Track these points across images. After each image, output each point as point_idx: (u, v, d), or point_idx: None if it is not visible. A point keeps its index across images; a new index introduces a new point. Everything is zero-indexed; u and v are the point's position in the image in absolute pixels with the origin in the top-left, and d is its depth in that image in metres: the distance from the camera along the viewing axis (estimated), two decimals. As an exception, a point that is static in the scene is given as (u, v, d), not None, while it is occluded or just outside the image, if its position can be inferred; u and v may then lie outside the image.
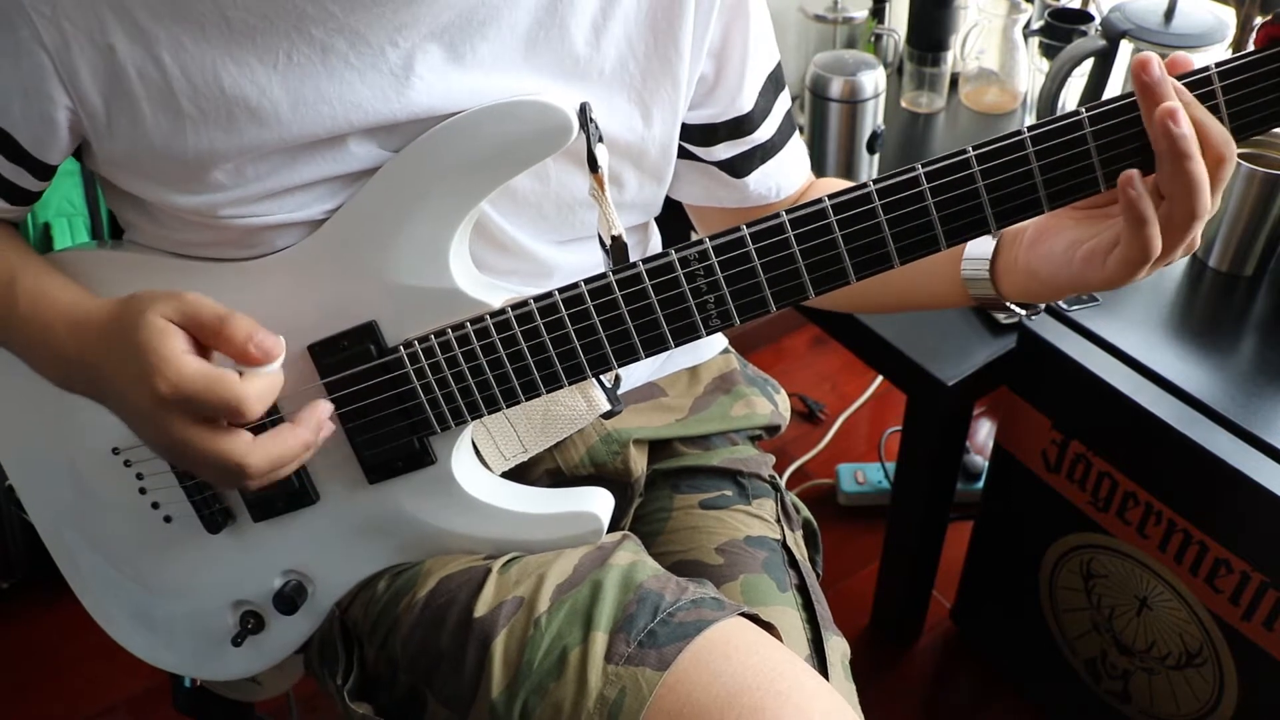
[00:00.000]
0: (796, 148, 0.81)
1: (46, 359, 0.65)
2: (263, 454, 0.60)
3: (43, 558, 0.80)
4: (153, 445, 0.63)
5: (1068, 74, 1.15)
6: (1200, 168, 0.54)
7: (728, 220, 0.82)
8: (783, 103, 0.78)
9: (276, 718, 1.10)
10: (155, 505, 0.75)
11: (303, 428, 0.62)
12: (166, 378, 0.57)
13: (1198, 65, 0.55)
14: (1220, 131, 0.55)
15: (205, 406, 0.58)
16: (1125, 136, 0.56)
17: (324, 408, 0.63)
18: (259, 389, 0.59)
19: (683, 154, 0.77)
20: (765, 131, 0.77)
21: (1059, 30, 1.29)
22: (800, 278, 0.60)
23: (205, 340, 0.59)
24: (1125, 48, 1.15)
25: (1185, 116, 0.53)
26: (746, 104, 0.75)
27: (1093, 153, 0.56)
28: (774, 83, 0.76)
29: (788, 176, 0.80)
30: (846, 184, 0.86)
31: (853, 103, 1.20)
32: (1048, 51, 1.31)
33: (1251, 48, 0.55)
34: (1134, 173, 0.54)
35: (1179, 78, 0.55)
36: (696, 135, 0.76)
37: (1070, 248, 0.60)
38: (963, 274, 0.67)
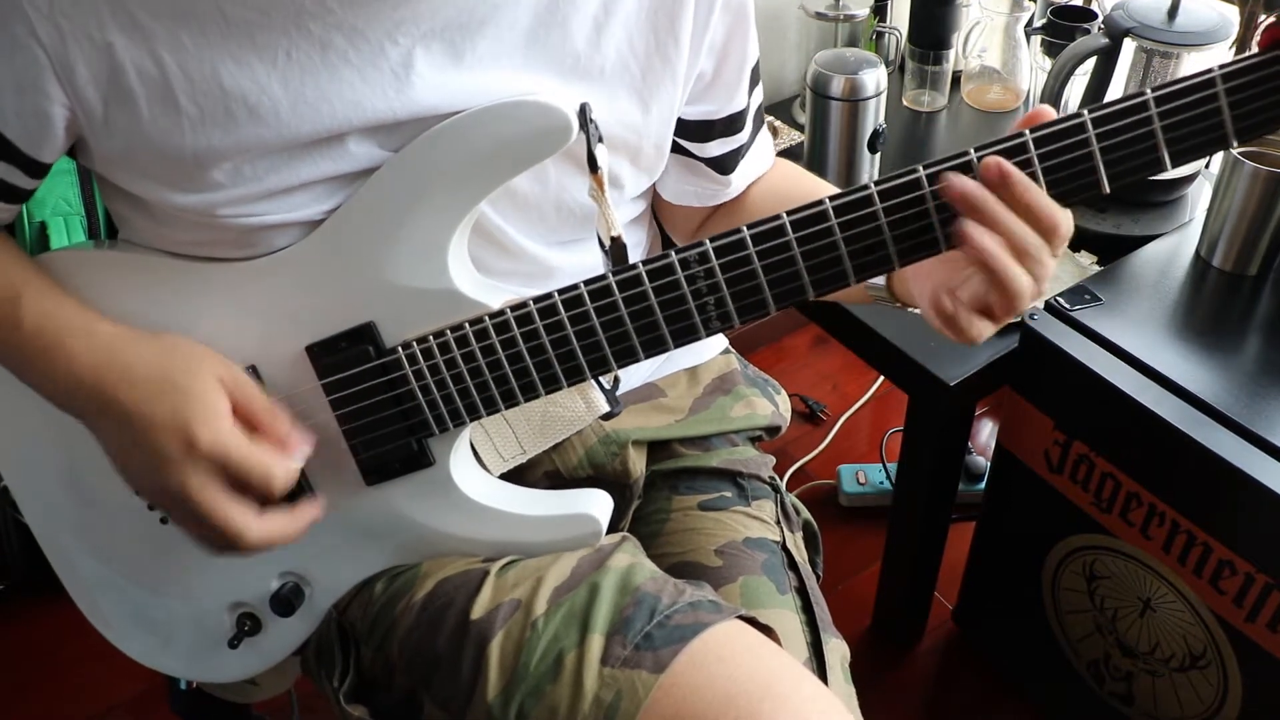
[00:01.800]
0: (764, 139, 0.84)
1: (48, 378, 0.65)
2: (262, 533, 0.63)
3: (40, 559, 0.80)
4: (147, 487, 0.65)
5: (1070, 72, 1.14)
6: (1004, 266, 0.55)
7: (695, 216, 0.84)
8: (757, 96, 0.80)
9: (276, 718, 1.10)
10: (151, 507, 0.74)
11: (298, 520, 0.66)
12: (211, 432, 0.60)
13: (1200, 65, 0.55)
14: (1044, 206, 0.55)
15: (240, 470, 0.61)
16: (1128, 139, 0.55)
17: (315, 509, 0.67)
18: (286, 473, 0.63)
19: (675, 149, 0.77)
20: (749, 130, 0.79)
21: (1061, 28, 1.29)
22: (800, 279, 0.60)
23: (248, 419, 0.63)
24: (1128, 46, 1.15)
25: (979, 233, 0.55)
26: (741, 101, 0.76)
27: (1096, 155, 0.55)
28: (753, 78, 0.78)
29: (758, 168, 0.83)
30: (801, 170, 0.88)
31: (854, 101, 1.19)
32: (1050, 50, 1.30)
33: (1255, 49, 0.54)
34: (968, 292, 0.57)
35: (1177, 82, 0.55)
36: (693, 131, 0.77)
37: (934, 294, 0.60)
38: (866, 285, 0.69)
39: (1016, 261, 0.55)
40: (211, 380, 0.61)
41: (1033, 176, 0.56)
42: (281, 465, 0.62)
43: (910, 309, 0.69)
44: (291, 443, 0.63)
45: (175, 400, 0.60)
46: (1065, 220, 0.56)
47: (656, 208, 0.87)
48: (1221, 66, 0.54)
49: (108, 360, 0.63)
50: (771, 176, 0.85)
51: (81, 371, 0.63)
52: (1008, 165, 0.54)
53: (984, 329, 0.58)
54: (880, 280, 0.69)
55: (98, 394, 0.63)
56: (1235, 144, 0.55)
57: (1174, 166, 0.56)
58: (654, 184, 0.80)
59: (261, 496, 0.63)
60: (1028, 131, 0.56)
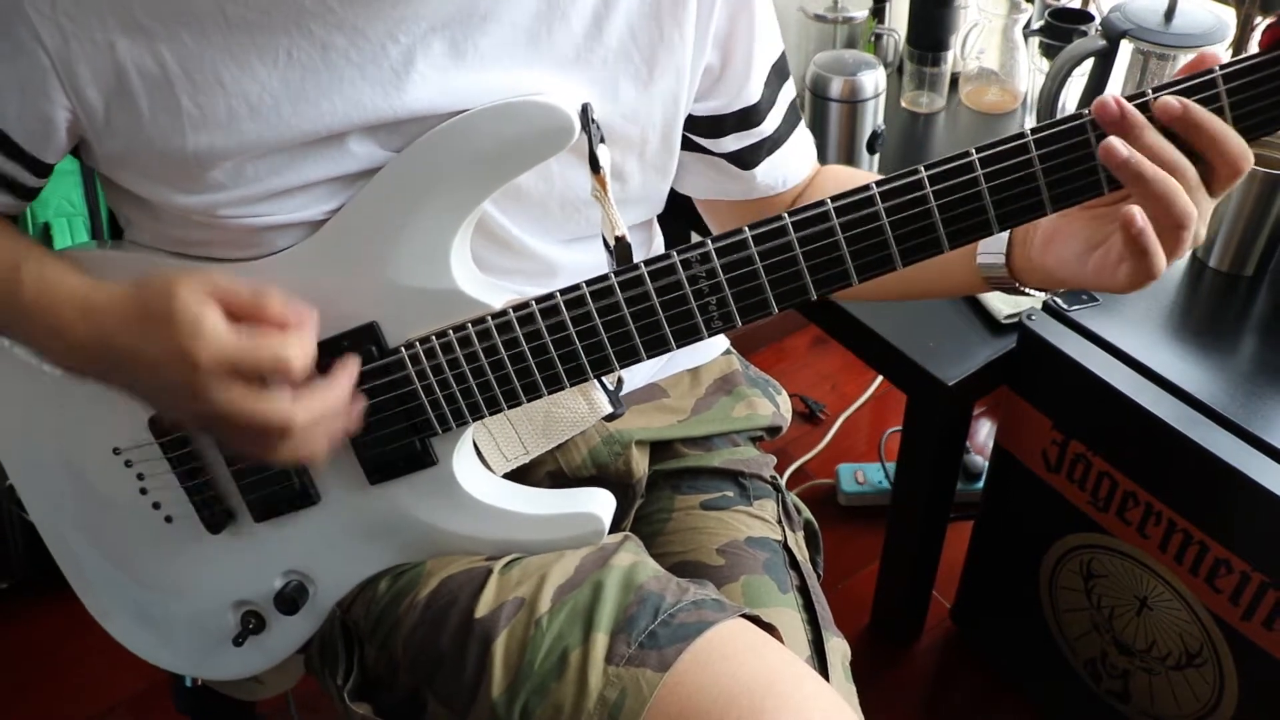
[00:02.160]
0: (802, 137, 0.81)
1: (54, 345, 0.65)
2: (306, 408, 0.60)
3: (42, 557, 0.80)
4: (187, 418, 0.63)
5: (1068, 74, 1.15)
6: (1161, 184, 0.54)
7: (736, 212, 0.82)
8: (787, 93, 0.78)
9: (277, 717, 1.10)
10: (156, 505, 0.74)
11: (338, 380, 0.63)
12: (209, 343, 0.57)
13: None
14: (1224, 136, 0.55)
15: (251, 367, 0.58)
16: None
17: (353, 362, 0.64)
18: (302, 347, 0.60)
19: (691, 146, 0.77)
20: (771, 123, 0.77)
21: (1059, 30, 1.29)
22: (802, 279, 0.60)
23: (240, 313, 0.60)
24: (1125, 47, 1.15)
25: (1120, 146, 0.54)
26: (754, 94, 0.75)
27: (1096, 155, 0.56)
28: (778, 73, 0.77)
29: (794, 167, 0.81)
30: (852, 170, 0.87)
31: (853, 102, 1.20)
32: (1048, 51, 1.31)
33: (1256, 49, 0.55)
34: (1133, 210, 0.55)
35: (1177, 82, 0.55)
36: (705, 127, 0.76)
37: (1083, 254, 0.61)
38: (980, 268, 0.68)
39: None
40: (191, 296, 0.59)
41: (1031, 177, 0.57)
42: (289, 344, 0.59)
43: (1029, 291, 0.67)
44: (291, 319, 0.60)
45: (165, 331, 0.58)
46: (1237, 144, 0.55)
47: (702, 213, 0.86)
48: (1222, 67, 0.54)
49: (99, 318, 0.62)
50: (821, 181, 0.83)
51: (79, 334, 0.63)
52: (1182, 101, 0.54)
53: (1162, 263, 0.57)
54: (997, 260, 0.67)
55: (101, 354, 0.62)
56: None
57: None
58: (679, 188, 0.79)
59: (291, 381, 0.60)
60: (1029, 132, 0.56)
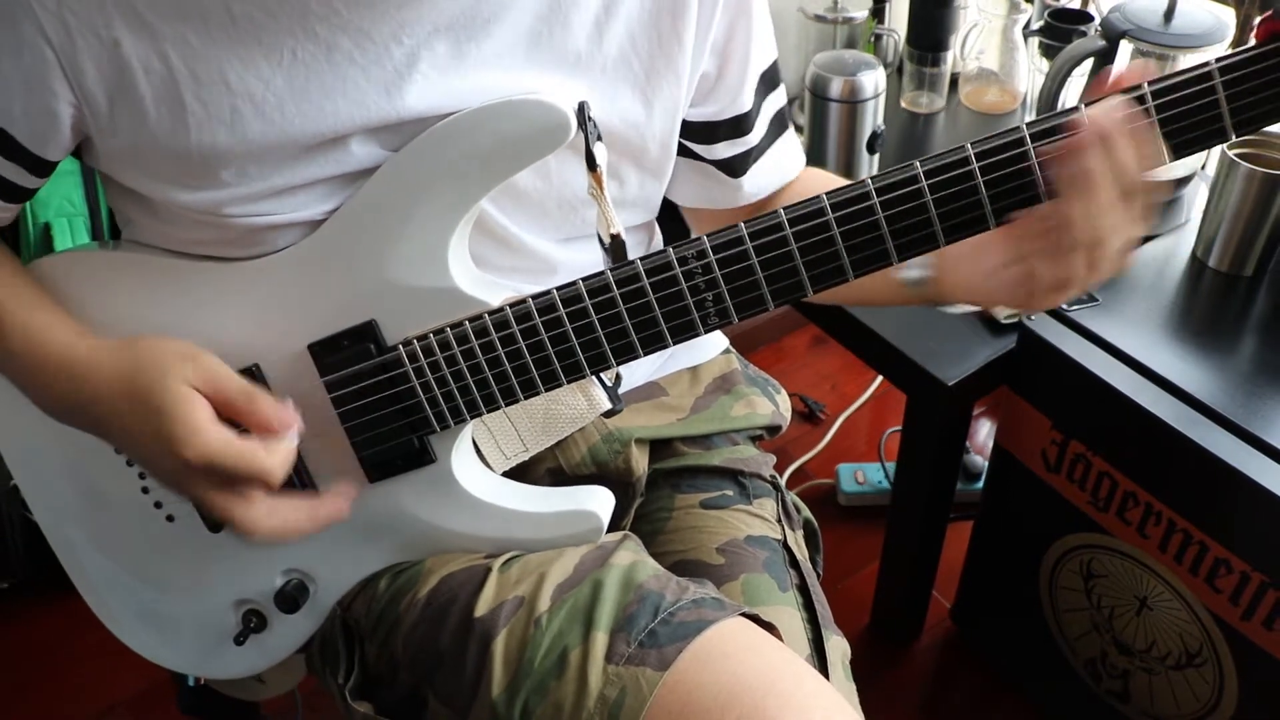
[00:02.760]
0: (786, 145, 0.82)
1: (41, 396, 0.68)
2: (275, 523, 0.64)
3: (43, 557, 0.80)
4: (166, 486, 0.67)
5: (1068, 74, 1.15)
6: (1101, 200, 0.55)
7: (720, 221, 0.82)
8: (773, 101, 0.79)
9: (281, 716, 1.10)
10: (158, 505, 0.75)
11: (320, 509, 0.67)
12: (194, 447, 0.60)
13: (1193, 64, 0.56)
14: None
15: (232, 473, 0.61)
16: None
17: (341, 507, 0.68)
18: (282, 460, 0.62)
19: (684, 152, 0.78)
20: (757, 133, 0.78)
21: (1059, 30, 1.29)
22: (798, 275, 0.60)
23: (228, 412, 0.62)
24: (1125, 48, 1.15)
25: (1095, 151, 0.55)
26: (746, 102, 0.76)
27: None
28: (767, 81, 0.77)
29: (780, 174, 0.82)
30: (834, 178, 0.87)
31: (853, 103, 1.20)
32: (1047, 51, 1.31)
33: (1252, 43, 0.55)
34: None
35: (1172, 76, 0.55)
36: (698, 133, 0.76)
37: (995, 270, 0.61)
38: (904, 283, 0.69)
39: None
40: (182, 389, 0.61)
41: (1026, 171, 0.57)
42: (270, 457, 0.61)
43: (944, 307, 0.68)
44: (278, 425, 0.62)
45: (155, 421, 0.61)
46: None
47: (686, 219, 0.86)
48: (1219, 60, 0.54)
49: (89, 389, 0.64)
50: (800, 185, 0.84)
51: (65, 395, 0.65)
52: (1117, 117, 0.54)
53: (1057, 295, 0.58)
54: (918, 273, 0.68)
55: (85, 414, 0.65)
56: (1234, 136, 0.56)
57: (1174, 159, 0.57)
58: (665, 194, 0.80)
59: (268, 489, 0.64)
60: (1024, 127, 0.56)
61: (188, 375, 0.61)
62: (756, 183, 0.80)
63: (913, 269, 0.67)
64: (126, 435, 0.64)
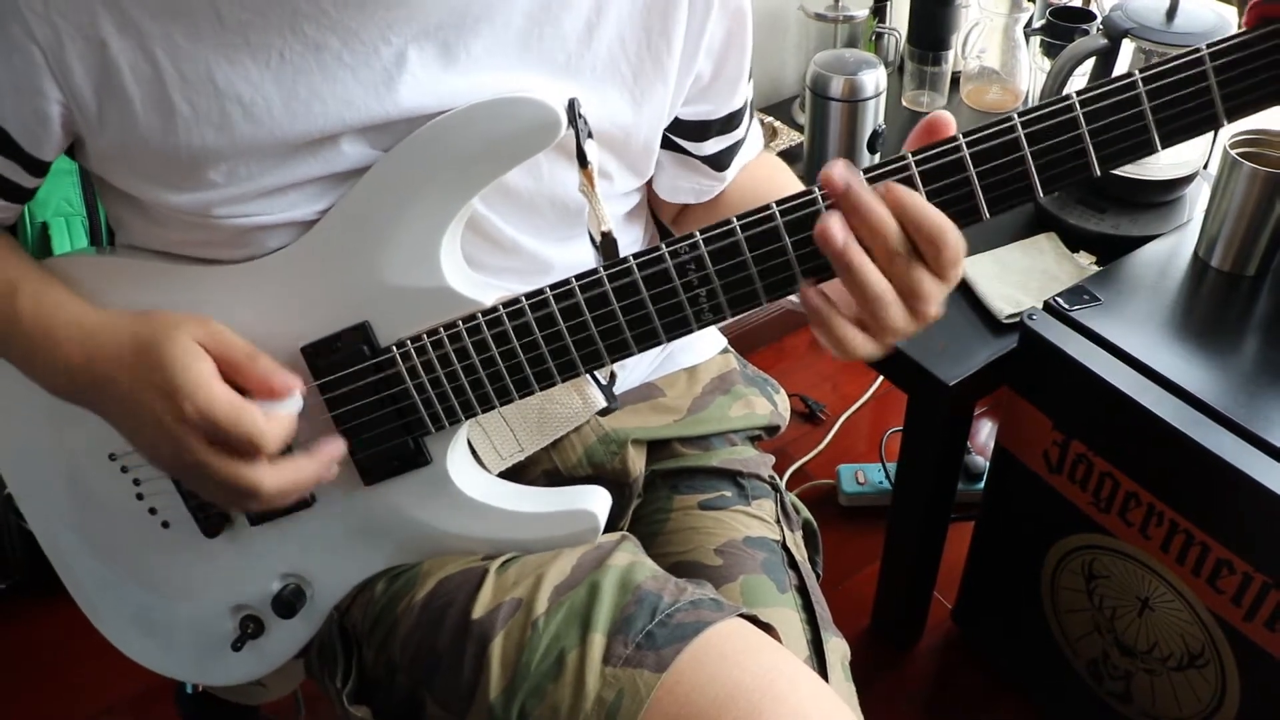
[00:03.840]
0: (754, 128, 0.84)
1: (48, 369, 0.66)
2: (276, 481, 0.63)
3: (41, 559, 0.80)
4: (157, 460, 0.65)
5: (1069, 73, 1.15)
6: (875, 289, 0.55)
7: (689, 211, 0.85)
8: (749, 90, 0.80)
9: (282, 718, 1.10)
10: (153, 511, 0.74)
11: (317, 461, 0.65)
12: (195, 400, 0.60)
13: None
14: (930, 219, 0.54)
15: (228, 435, 0.60)
16: (1117, 120, 0.56)
17: (338, 446, 0.66)
18: (279, 426, 0.62)
19: (672, 148, 0.78)
20: (744, 126, 0.80)
21: (1060, 29, 1.29)
22: (791, 269, 0.60)
23: (230, 371, 0.62)
24: (1127, 46, 1.15)
25: (837, 229, 0.54)
26: (739, 100, 0.77)
27: (1085, 136, 0.56)
28: (749, 74, 0.79)
29: (748, 158, 0.84)
30: (780, 166, 0.88)
31: (853, 102, 1.19)
32: (1049, 50, 1.30)
33: (1242, 28, 0.55)
34: (806, 289, 0.57)
35: (1165, 62, 0.55)
36: (690, 131, 0.77)
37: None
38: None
39: (877, 266, 0.55)
40: (189, 345, 0.61)
41: (1019, 161, 0.56)
42: (267, 422, 0.61)
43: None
44: (279, 387, 0.62)
45: (160, 375, 0.60)
46: (949, 233, 0.55)
47: (655, 210, 0.87)
48: (1209, 45, 0.54)
49: (95, 347, 0.63)
50: (749, 167, 0.85)
51: (74, 361, 0.64)
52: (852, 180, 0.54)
53: (856, 341, 0.58)
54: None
55: (92, 381, 0.64)
56: (1225, 122, 0.55)
57: (1164, 147, 0.56)
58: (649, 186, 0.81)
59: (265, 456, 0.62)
60: (1015, 115, 0.56)
61: (195, 333, 0.61)
62: (734, 171, 0.82)
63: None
64: (129, 399, 0.62)
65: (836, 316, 0.57)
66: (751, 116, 0.83)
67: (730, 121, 0.78)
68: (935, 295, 0.57)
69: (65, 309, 0.65)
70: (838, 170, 0.55)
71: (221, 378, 0.61)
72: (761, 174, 0.85)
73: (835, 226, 0.55)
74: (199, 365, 0.60)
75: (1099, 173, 0.57)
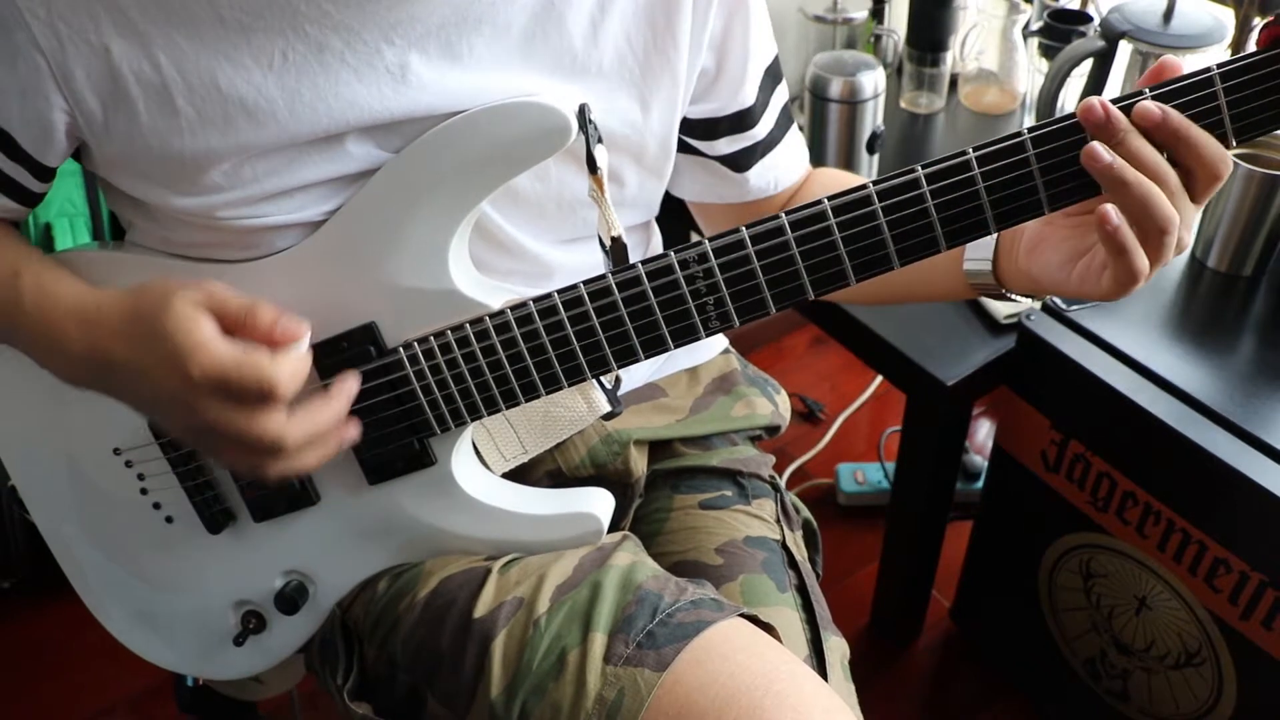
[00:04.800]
0: (795, 140, 0.82)
1: (53, 354, 0.65)
2: (299, 427, 0.60)
3: (43, 557, 0.80)
4: (180, 431, 0.63)
5: (1067, 74, 1.15)
6: (1143, 189, 0.55)
7: (730, 215, 0.82)
8: (779, 96, 0.79)
9: (279, 716, 1.10)
10: (157, 505, 0.75)
11: (335, 399, 0.62)
12: (199, 360, 0.57)
13: (1195, 67, 0.56)
14: (1201, 142, 0.55)
15: (239, 386, 0.58)
16: None
17: (353, 380, 0.64)
18: (291, 368, 0.59)
19: (685, 149, 0.78)
20: (764, 127, 0.78)
21: (1058, 31, 1.29)
22: (800, 279, 0.60)
23: (231, 327, 0.59)
24: (1124, 48, 1.15)
25: (1103, 150, 0.55)
26: (748, 98, 0.76)
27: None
28: (771, 76, 0.77)
29: (787, 170, 0.81)
30: (845, 174, 0.87)
31: (852, 103, 1.20)
32: (1047, 52, 1.31)
33: (1254, 48, 0.55)
34: (1108, 208, 0.55)
35: (1174, 81, 0.55)
36: (699, 129, 0.76)
37: (1067, 262, 0.61)
38: (966, 274, 0.68)
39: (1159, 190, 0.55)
40: (186, 308, 0.59)
41: (1028, 176, 0.57)
42: (278, 365, 0.58)
43: (1015, 296, 0.68)
44: (281, 336, 0.60)
45: (161, 344, 0.58)
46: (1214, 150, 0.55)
47: (692, 213, 0.86)
48: (1220, 65, 0.54)
49: (96, 327, 0.62)
50: (816, 182, 0.84)
51: (78, 344, 0.63)
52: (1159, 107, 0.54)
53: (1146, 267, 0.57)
54: (983, 266, 0.67)
55: (96, 362, 0.62)
56: (1234, 143, 0.56)
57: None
58: (665, 190, 0.80)
59: (279, 402, 0.60)
60: (1025, 131, 0.56)
61: (190, 295, 0.59)
62: (764, 177, 0.80)
63: (974, 260, 0.67)
64: (136, 372, 0.61)
65: (1130, 237, 0.56)
66: (786, 126, 0.80)
67: (741, 120, 0.76)
68: (1189, 218, 0.57)
69: (66, 291, 0.64)
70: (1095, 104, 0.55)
71: (223, 334, 0.59)
72: (820, 188, 0.83)
73: (1098, 149, 0.55)
74: (199, 327, 0.58)
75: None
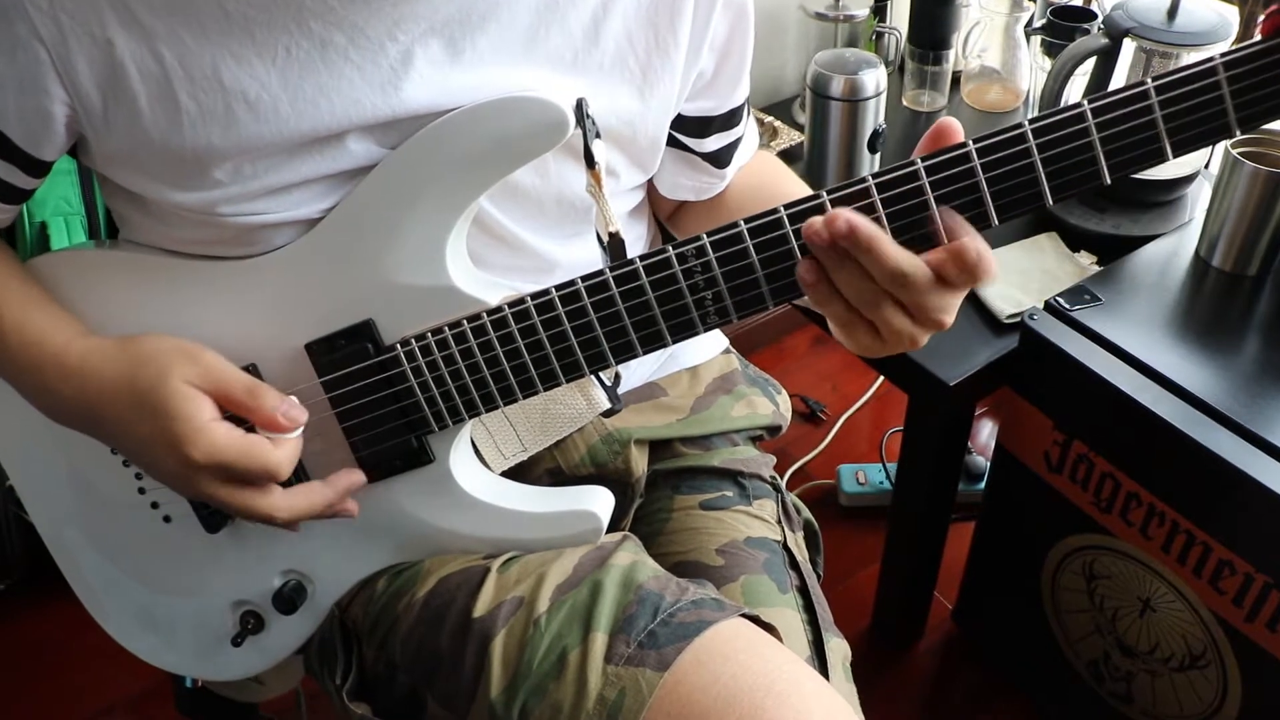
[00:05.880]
0: (751, 125, 0.85)
1: (38, 395, 0.67)
2: (290, 507, 0.64)
3: (42, 557, 0.80)
4: (175, 489, 0.66)
5: (1070, 72, 1.15)
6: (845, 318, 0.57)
7: (688, 210, 0.85)
8: (747, 88, 0.81)
9: (283, 717, 1.09)
10: (155, 505, 0.74)
11: (332, 489, 0.66)
12: (200, 447, 0.60)
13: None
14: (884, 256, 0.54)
15: (242, 473, 0.61)
16: (1129, 129, 0.55)
17: (357, 477, 0.67)
18: (289, 453, 0.63)
19: (674, 144, 0.78)
20: (744, 123, 0.80)
21: (1061, 28, 1.29)
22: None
23: (232, 409, 0.63)
24: (1128, 46, 1.15)
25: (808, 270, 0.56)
26: (740, 97, 0.77)
27: (1096, 144, 0.56)
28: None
29: (746, 157, 0.84)
30: (782, 168, 0.88)
31: (854, 101, 1.19)
32: (1050, 50, 1.30)
33: (1258, 37, 0.54)
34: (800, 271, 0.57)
35: (1177, 72, 0.55)
36: (692, 126, 0.77)
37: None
38: None
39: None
40: (184, 389, 0.61)
41: (1029, 168, 0.56)
42: (278, 452, 0.62)
43: None
44: (282, 421, 0.62)
45: (158, 422, 0.61)
46: (913, 269, 0.54)
47: (654, 207, 0.87)
48: (1223, 55, 0.54)
49: (82, 386, 0.64)
50: (750, 168, 0.85)
51: (65, 398, 0.65)
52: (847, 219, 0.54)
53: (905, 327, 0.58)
54: None
55: (86, 416, 0.65)
56: (1238, 133, 0.55)
57: (1176, 156, 0.56)
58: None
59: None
60: (1026, 123, 0.56)
61: (188, 374, 0.61)
62: (734, 168, 0.82)
63: None
64: (128, 438, 0.63)
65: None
66: (749, 114, 0.83)
67: (731, 118, 0.78)
68: (940, 310, 0.58)
69: (50, 341, 0.65)
70: (820, 224, 0.55)
71: (221, 415, 0.62)
72: (765, 176, 0.85)
73: (808, 269, 0.56)
74: (200, 410, 0.61)
75: (1109, 181, 0.57)
